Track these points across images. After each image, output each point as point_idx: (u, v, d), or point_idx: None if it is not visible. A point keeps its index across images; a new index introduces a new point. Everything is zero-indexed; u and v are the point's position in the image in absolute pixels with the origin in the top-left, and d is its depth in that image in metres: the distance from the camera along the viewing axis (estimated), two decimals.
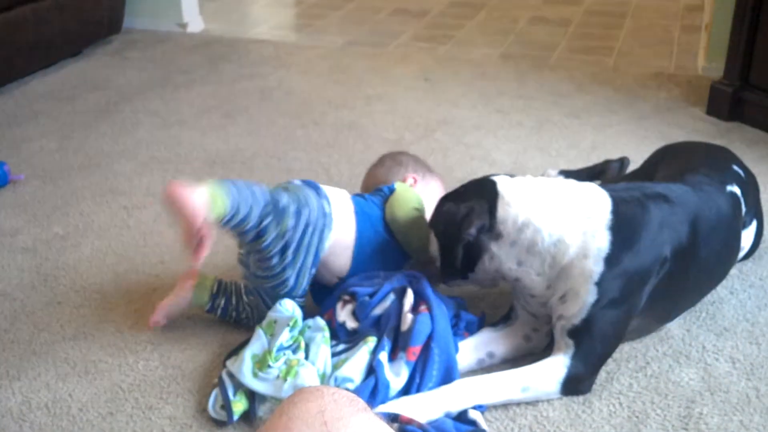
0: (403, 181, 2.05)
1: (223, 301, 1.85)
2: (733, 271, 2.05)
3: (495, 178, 1.75)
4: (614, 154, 2.53)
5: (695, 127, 2.91)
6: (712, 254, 1.80)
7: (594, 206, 1.68)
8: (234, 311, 1.85)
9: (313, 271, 1.82)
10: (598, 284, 1.64)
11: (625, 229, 1.66)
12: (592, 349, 1.66)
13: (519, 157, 2.71)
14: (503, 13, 4.43)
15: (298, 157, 2.74)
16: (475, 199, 1.70)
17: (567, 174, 2.40)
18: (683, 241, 1.72)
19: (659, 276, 1.70)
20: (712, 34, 3.30)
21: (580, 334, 1.65)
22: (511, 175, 1.78)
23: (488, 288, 1.87)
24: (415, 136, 2.90)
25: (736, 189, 1.90)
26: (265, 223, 1.72)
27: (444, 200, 1.80)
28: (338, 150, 2.78)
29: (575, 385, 1.66)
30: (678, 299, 1.81)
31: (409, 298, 1.74)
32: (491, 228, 1.67)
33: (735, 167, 1.98)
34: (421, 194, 1.99)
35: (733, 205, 1.87)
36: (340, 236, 1.84)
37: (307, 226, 1.77)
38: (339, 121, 3.04)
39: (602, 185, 1.78)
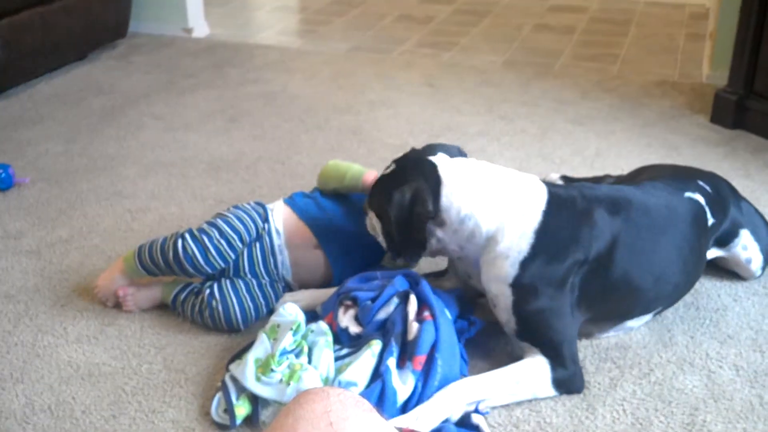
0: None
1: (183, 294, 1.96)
2: (737, 279, 2.05)
3: (435, 161, 1.77)
4: (618, 162, 2.53)
5: (699, 135, 2.91)
6: (659, 248, 1.79)
7: (528, 206, 1.71)
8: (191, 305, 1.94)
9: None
10: (513, 286, 1.69)
11: (550, 232, 1.69)
12: (547, 343, 1.68)
13: (522, 163, 2.71)
14: (507, 21, 4.44)
15: (302, 161, 2.75)
16: (418, 180, 1.71)
17: (568, 180, 2.40)
18: (610, 238, 1.73)
19: (585, 271, 1.71)
20: (716, 42, 3.30)
21: (526, 336, 1.71)
22: (449, 151, 1.85)
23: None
24: (419, 142, 2.88)
25: (697, 197, 1.91)
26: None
27: (385, 185, 1.77)
28: (342, 155, 2.78)
29: (559, 376, 1.68)
30: (625, 293, 1.78)
31: (413, 305, 1.74)
32: (435, 214, 1.71)
33: (701, 182, 1.98)
34: None
35: (690, 208, 1.88)
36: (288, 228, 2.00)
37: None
38: (343, 126, 3.05)
39: (544, 180, 1.82)
